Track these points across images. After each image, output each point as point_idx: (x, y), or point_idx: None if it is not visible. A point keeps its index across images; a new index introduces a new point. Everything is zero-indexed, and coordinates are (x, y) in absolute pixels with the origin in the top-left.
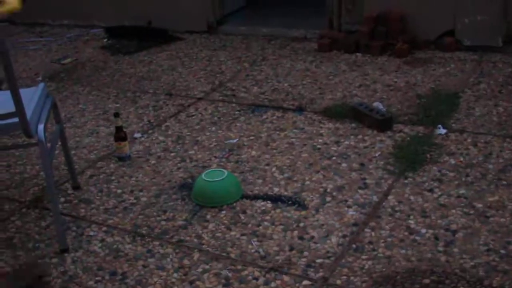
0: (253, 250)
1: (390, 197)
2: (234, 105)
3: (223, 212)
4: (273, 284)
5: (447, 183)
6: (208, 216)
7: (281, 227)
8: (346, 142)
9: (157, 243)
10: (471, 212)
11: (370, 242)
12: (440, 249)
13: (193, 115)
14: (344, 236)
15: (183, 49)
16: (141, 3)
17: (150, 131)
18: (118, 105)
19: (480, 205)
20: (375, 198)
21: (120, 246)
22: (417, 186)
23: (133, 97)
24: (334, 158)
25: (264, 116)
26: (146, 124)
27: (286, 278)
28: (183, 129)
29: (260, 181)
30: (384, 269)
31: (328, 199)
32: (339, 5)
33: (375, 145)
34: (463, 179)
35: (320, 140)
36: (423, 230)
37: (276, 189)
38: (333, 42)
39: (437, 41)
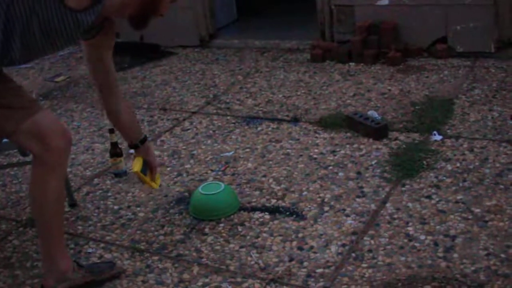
0: (252, 262)
1: (388, 205)
2: (228, 117)
3: (221, 225)
4: None
5: (445, 189)
6: (206, 230)
7: (280, 238)
8: (342, 151)
9: (156, 258)
10: (470, 217)
11: (370, 250)
12: (440, 255)
13: (188, 129)
14: (343, 245)
15: (176, 64)
16: None
17: None
18: None
19: (478, 210)
20: (373, 206)
21: (119, 262)
22: (414, 193)
23: None
24: (330, 167)
25: (259, 128)
26: None
27: None
28: (178, 143)
29: (257, 192)
30: (384, 277)
31: (326, 208)
32: (331, 16)
33: (371, 154)
34: (461, 184)
35: (316, 150)
36: (422, 237)
37: (273, 200)
38: (325, 52)
39: (429, 48)
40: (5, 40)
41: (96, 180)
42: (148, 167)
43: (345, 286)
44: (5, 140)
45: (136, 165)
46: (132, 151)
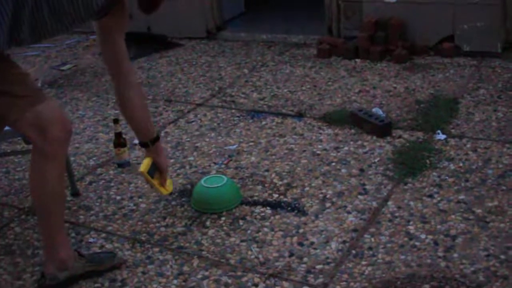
0: (252, 256)
1: (389, 203)
2: (233, 111)
3: (223, 218)
4: None
5: (447, 188)
6: (208, 223)
7: (281, 233)
8: (346, 148)
9: (156, 249)
10: (471, 217)
11: (370, 248)
12: (440, 254)
13: (192, 121)
14: (343, 242)
15: (182, 55)
16: None
17: None
18: (117, 111)
19: (479, 211)
20: (374, 204)
21: (120, 252)
22: (416, 192)
23: None
24: (333, 164)
25: (264, 122)
26: None
27: (285, 284)
28: (182, 135)
29: (259, 187)
30: (384, 275)
31: (328, 205)
32: (338, 12)
33: (375, 151)
34: (463, 184)
35: (319, 146)
36: (423, 236)
37: (275, 195)
38: (332, 48)
39: (436, 46)
40: (13, 21)
41: (99, 170)
42: (158, 170)
43: (344, 283)
44: (7, 128)
45: (144, 165)
46: (136, 141)
